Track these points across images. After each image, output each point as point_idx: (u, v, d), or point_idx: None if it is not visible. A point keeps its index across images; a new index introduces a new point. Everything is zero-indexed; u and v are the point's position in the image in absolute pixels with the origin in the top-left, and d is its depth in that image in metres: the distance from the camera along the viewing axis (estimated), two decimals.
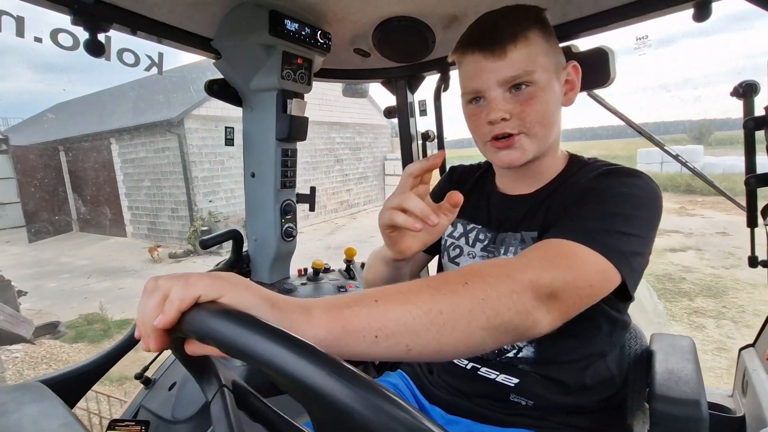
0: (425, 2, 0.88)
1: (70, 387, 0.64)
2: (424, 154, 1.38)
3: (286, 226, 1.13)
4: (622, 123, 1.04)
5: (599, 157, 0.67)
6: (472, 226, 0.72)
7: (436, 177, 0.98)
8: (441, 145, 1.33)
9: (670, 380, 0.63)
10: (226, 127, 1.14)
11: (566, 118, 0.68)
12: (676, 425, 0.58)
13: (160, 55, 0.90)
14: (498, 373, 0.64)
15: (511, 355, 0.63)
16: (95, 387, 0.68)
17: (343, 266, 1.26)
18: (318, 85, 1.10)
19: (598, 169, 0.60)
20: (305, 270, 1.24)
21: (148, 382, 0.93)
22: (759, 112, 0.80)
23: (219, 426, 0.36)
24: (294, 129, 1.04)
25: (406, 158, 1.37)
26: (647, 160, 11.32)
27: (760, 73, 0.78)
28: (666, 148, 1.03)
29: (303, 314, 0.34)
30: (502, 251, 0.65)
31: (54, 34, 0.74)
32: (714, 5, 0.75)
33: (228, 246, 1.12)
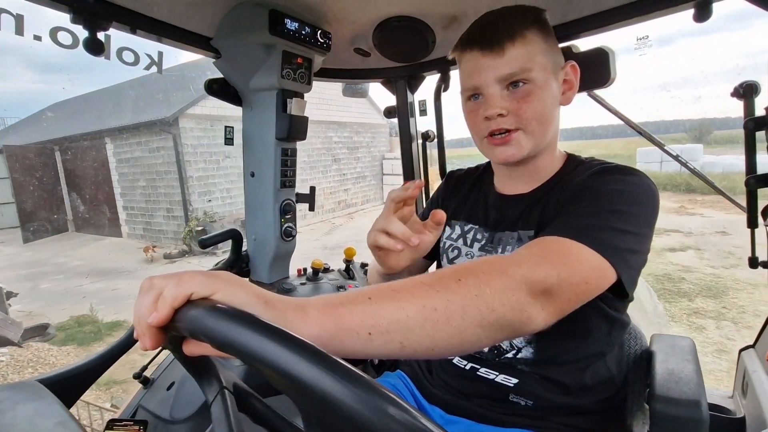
0: (425, 2, 0.88)
1: (68, 386, 0.64)
2: (424, 154, 1.38)
3: (286, 225, 1.13)
4: (622, 122, 1.04)
5: (599, 157, 0.67)
6: (469, 226, 0.72)
7: (438, 182, 0.99)
8: (441, 145, 1.33)
9: (670, 381, 0.62)
10: (225, 127, 1.14)
11: (566, 117, 0.69)
12: (676, 426, 0.58)
13: (160, 54, 0.90)
14: (497, 373, 0.64)
15: (510, 355, 0.63)
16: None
17: (343, 266, 1.26)
18: (315, 84, 1.10)
19: (595, 167, 0.61)
20: (305, 270, 1.24)
21: (146, 382, 0.93)
22: (760, 112, 0.80)
23: (219, 427, 0.36)
24: (294, 128, 1.04)
25: (407, 158, 1.37)
26: (647, 159, 11.34)
27: (759, 72, 0.78)
28: (666, 148, 1.03)
29: (297, 312, 0.34)
30: (500, 250, 0.65)
31: (53, 33, 0.74)
32: (714, 5, 0.75)
33: (224, 246, 1.12)
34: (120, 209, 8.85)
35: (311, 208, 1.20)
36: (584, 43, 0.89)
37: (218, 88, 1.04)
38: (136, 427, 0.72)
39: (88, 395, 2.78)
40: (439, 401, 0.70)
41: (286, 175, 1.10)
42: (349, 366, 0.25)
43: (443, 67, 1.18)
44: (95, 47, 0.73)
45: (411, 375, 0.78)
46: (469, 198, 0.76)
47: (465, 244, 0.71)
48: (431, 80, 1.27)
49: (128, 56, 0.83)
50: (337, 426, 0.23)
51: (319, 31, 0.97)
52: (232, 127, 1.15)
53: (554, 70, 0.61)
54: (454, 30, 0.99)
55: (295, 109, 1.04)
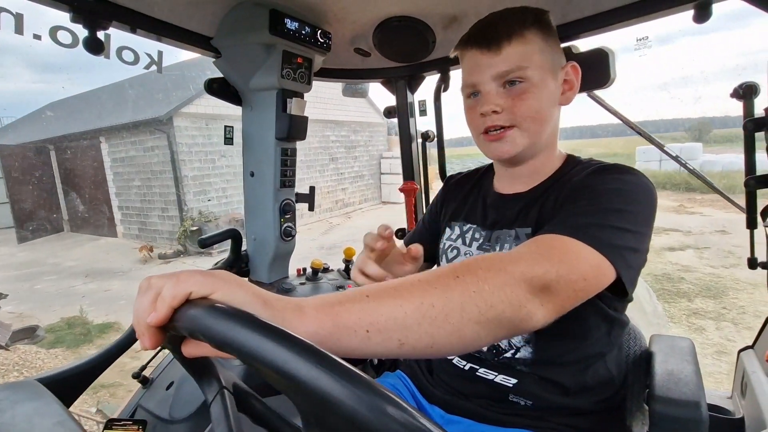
0: (425, 2, 0.88)
1: (67, 386, 0.63)
2: (424, 154, 1.38)
3: (285, 225, 1.13)
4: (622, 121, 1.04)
5: (598, 155, 0.67)
6: (468, 226, 0.73)
7: (439, 185, 0.99)
8: (441, 145, 1.33)
9: (669, 381, 0.62)
10: (225, 126, 1.14)
11: (565, 116, 0.69)
12: (675, 426, 0.58)
13: (160, 53, 0.90)
14: (496, 373, 0.64)
15: (508, 355, 0.63)
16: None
17: (342, 266, 1.26)
18: (313, 82, 1.10)
19: (593, 166, 0.62)
20: (304, 270, 1.24)
21: (145, 382, 0.93)
22: (759, 113, 0.80)
23: (219, 428, 0.36)
24: (293, 128, 1.04)
25: (406, 158, 1.37)
26: (646, 158, 11.31)
27: (758, 70, 0.78)
28: (665, 148, 1.04)
29: (295, 311, 0.34)
30: (497, 249, 0.65)
31: (53, 32, 0.74)
32: (713, 6, 0.75)
33: (219, 246, 1.12)
34: (115, 209, 8.78)
35: (311, 208, 1.20)
36: (584, 44, 0.89)
37: (218, 88, 1.04)
38: (135, 427, 0.72)
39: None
40: (439, 401, 0.70)
41: (286, 175, 1.10)
42: (347, 365, 0.25)
43: (443, 67, 1.18)
44: (95, 46, 0.73)
45: (411, 375, 0.78)
46: (468, 199, 0.77)
47: (464, 243, 0.72)
48: (431, 80, 1.27)
49: (128, 55, 0.83)
50: (336, 425, 0.23)
51: (319, 31, 0.97)
52: (232, 127, 1.15)
53: (553, 69, 0.62)
54: (454, 30, 0.99)
55: (295, 109, 1.04)
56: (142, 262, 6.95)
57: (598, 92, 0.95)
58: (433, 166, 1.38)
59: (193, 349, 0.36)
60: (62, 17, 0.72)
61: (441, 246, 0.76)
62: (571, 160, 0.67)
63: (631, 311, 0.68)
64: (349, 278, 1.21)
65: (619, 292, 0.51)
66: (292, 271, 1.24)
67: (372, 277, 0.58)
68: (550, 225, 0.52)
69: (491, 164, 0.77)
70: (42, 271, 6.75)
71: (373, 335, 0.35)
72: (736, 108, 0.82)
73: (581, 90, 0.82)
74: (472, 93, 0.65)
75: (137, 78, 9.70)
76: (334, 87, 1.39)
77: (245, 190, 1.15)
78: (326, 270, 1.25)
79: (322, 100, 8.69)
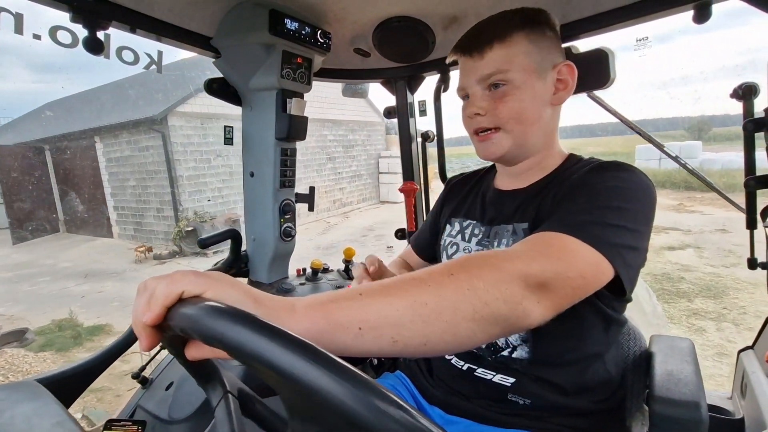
0: (425, 2, 0.88)
1: (66, 386, 0.63)
2: (424, 155, 1.38)
3: (285, 225, 1.13)
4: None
5: (598, 154, 0.68)
6: (468, 222, 0.73)
7: (439, 187, 0.99)
8: (441, 146, 1.33)
9: (669, 382, 0.62)
10: (225, 127, 1.14)
11: (565, 115, 0.70)
12: (675, 427, 0.58)
13: (160, 53, 0.90)
14: (494, 373, 0.64)
15: (505, 353, 0.63)
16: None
17: (342, 266, 1.26)
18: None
19: (592, 164, 0.62)
20: (304, 270, 1.24)
21: (145, 382, 0.93)
22: (759, 112, 0.80)
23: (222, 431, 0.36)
24: (293, 128, 1.04)
25: (406, 159, 1.37)
26: (646, 157, 11.29)
27: (757, 69, 0.78)
28: (665, 149, 1.03)
29: (287, 310, 0.35)
30: (495, 244, 0.66)
31: (53, 32, 0.74)
32: (713, 6, 0.75)
33: (215, 247, 1.12)
34: (111, 209, 8.71)
35: (311, 209, 1.20)
36: (583, 44, 0.89)
37: (218, 88, 1.04)
38: (135, 427, 0.72)
39: None
40: (439, 402, 0.70)
41: (286, 175, 1.10)
42: (332, 356, 0.25)
43: (443, 67, 1.18)
44: (95, 46, 0.73)
45: (410, 376, 0.78)
46: (468, 197, 0.78)
47: (463, 239, 0.72)
48: (431, 80, 1.27)
49: (128, 55, 0.83)
50: (322, 416, 0.24)
51: (319, 31, 0.97)
52: (232, 127, 1.15)
53: (540, 70, 0.62)
54: (454, 30, 0.99)
55: (294, 109, 1.04)
56: (137, 262, 6.91)
57: (598, 92, 0.95)
58: (432, 165, 1.38)
59: (195, 351, 0.36)
60: (62, 17, 0.72)
61: (441, 243, 0.77)
62: (571, 159, 0.68)
63: (631, 311, 0.68)
64: (348, 278, 1.21)
65: (618, 291, 0.51)
66: (291, 271, 1.24)
67: None
68: (548, 222, 0.52)
69: (493, 164, 0.78)
70: (36, 272, 6.69)
71: (366, 333, 0.35)
72: (736, 106, 0.82)
73: (581, 90, 0.82)
74: (464, 96, 0.68)
75: (135, 77, 9.64)
76: (332, 86, 1.39)
77: (245, 190, 1.15)
78: (326, 270, 1.25)
79: (320, 98, 8.64)
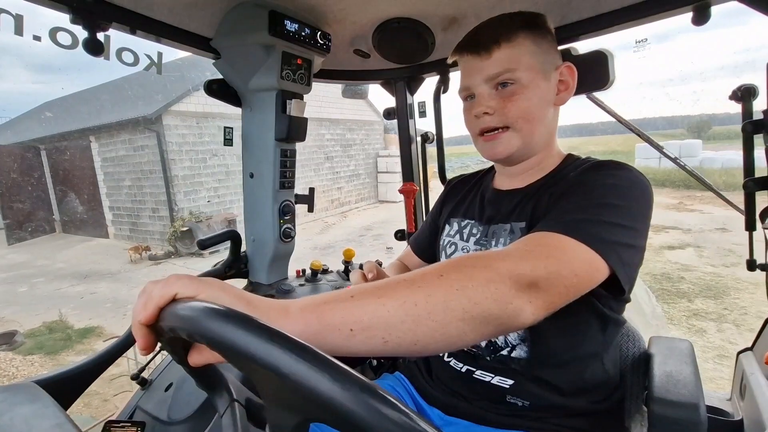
0: (425, 4, 0.88)
1: (65, 388, 0.63)
2: (423, 155, 1.38)
3: (285, 226, 1.13)
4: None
5: (597, 153, 0.68)
6: (466, 222, 0.74)
7: (438, 187, 1.00)
8: (440, 146, 1.33)
9: (668, 383, 0.62)
10: (225, 128, 1.14)
11: (564, 114, 0.70)
12: (674, 428, 0.58)
13: (160, 54, 0.90)
14: (493, 375, 0.64)
15: (504, 353, 0.64)
16: None
17: (342, 267, 1.26)
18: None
19: (589, 163, 0.63)
20: (303, 271, 1.24)
21: (144, 383, 0.93)
22: (758, 113, 0.80)
23: None
24: (293, 129, 1.04)
25: (406, 160, 1.37)
26: (645, 155, 11.26)
27: (756, 68, 0.79)
28: (664, 150, 1.04)
29: (280, 311, 0.35)
30: (494, 243, 0.66)
31: (53, 33, 0.74)
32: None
33: (212, 247, 1.12)
34: (106, 209, 8.67)
35: (310, 210, 1.20)
36: (583, 45, 0.89)
37: (218, 89, 1.04)
38: (134, 429, 0.72)
39: None
40: (438, 403, 0.70)
41: (285, 176, 1.10)
42: (301, 341, 0.25)
43: (443, 68, 1.18)
44: (95, 48, 0.73)
45: (409, 377, 0.78)
46: (468, 197, 0.79)
47: (461, 239, 0.72)
48: (431, 81, 1.27)
49: (128, 57, 0.83)
50: (287, 396, 0.24)
51: (319, 33, 0.97)
52: (232, 128, 1.15)
53: (544, 70, 0.63)
54: (453, 32, 0.99)
55: (294, 110, 1.04)
56: (132, 263, 6.86)
57: (596, 93, 0.95)
58: (431, 164, 1.38)
59: (198, 357, 0.36)
60: (62, 18, 0.72)
61: (440, 243, 0.77)
62: (570, 159, 0.68)
63: (630, 312, 0.68)
64: (348, 280, 1.21)
65: (616, 290, 0.51)
66: (291, 272, 1.24)
67: None
68: (543, 222, 0.52)
69: (492, 166, 0.78)
70: (29, 273, 6.66)
71: (357, 333, 0.36)
72: (736, 105, 0.82)
73: (581, 92, 0.82)
74: (468, 96, 0.67)
75: (130, 76, 9.57)
76: (330, 84, 1.38)
77: (245, 191, 1.15)
78: (325, 271, 1.25)
79: (317, 97, 8.59)
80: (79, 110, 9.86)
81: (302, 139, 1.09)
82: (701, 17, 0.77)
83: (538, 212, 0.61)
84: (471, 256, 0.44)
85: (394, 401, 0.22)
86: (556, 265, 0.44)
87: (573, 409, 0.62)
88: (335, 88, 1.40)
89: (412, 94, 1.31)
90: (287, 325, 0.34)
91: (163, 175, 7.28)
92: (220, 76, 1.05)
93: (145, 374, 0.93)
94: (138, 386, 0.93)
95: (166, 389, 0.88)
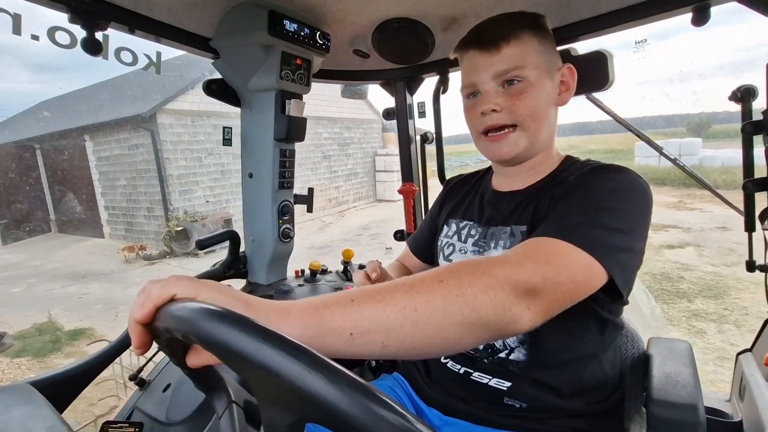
0: (425, 4, 0.88)
1: (61, 389, 0.63)
2: (423, 156, 1.38)
3: (284, 227, 1.13)
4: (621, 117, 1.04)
5: (597, 151, 0.68)
6: (464, 223, 0.73)
7: (437, 186, 0.99)
8: (440, 147, 1.33)
9: (667, 384, 0.62)
10: (224, 128, 1.14)
11: (564, 113, 0.70)
12: (673, 429, 0.58)
13: (158, 54, 0.90)
14: (490, 377, 0.64)
15: (502, 355, 0.63)
16: None
17: (341, 267, 1.26)
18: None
19: (589, 166, 0.62)
20: (302, 271, 1.23)
21: (142, 384, 0.93)
22: (758, 113, 0.80)
23: None
24: (292, 129, 1.04)
25: (405, 160, 1.37)
26: (645, 154, 11.21)
27: (755, 66, 0.78)
28: (664, 151, 1.03)
29: (279, 313, 0.35)
30: (492, 245, 0.66)
31: (51, 32, 0.74)
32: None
33: (209, 248, 1.11)
34: (101, 209, 8.59)
35: (309, 210, 1.19)
36: (582, 45, 0.89)
37: (217, 89, 1.04)
38: (132, 429, 0.72)
39: None
40: (437, 403, 0.70)
41: (285, 177, 1.10)
42: (293, 340, 0.25)
43: (442, 69, 1.18)
44: (93, 47, 0.73)
45: (408, 377, 0.78)
46: (466, 198, 0.78)
47: (459, 240, 0.72)
48: (430, 82, 1.27)
49: (126, 56, 0.83)
50: (282, 397, 0.24)
51: (318, 33, 0.96)
52: (231, 128, 1.14)
53: (549, 70, 0.63)
54: (453, 32, 0.99)
55: (293, 110, 1.04)
56: (127, 263, 6.79)
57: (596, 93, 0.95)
58: (430, 163, 1.38)
59: (196, 359, 0.36)
60: (60, 17, 0.72)
61: (438, 243, 0.77)
62: (568, 161, 0.68)
63: (629, 314, 0.68)
64: (347, 280, 1.20)
65: (614, 293, 0.51)
66: (290, 272, 1.24)
67: None
68: (542, 227, 0.52)
69: (491, 166, 0.77)
70: (22, 273, 6.59)
71: (357, 337, 0.36)
72: (736, 104, 0.82)
73: (580, 92, 0.82)
74: (471, 93, 0.66)
75: (126, 75, 9.44)
76: (328, 84, 1.38)
77: (243, 191, 1.14)
78: (324, 272, 1.25)
79: (315, 96, 8.47)
80: (75, 109, 9.78)
81: (301, 139, 1.09)
82: (701, 18, 0.77)
83: (539, 215, 0.61)
84: (470, 261, 0.44)
85: (389, 401, 0.22)
86: (555, 271, 0.44)
87: (572, 410, 0.62)
88: (333, 87, 1.40)
89: (411, 94, 1.31)
90: (286, 327, 0.34)
91: (158, 174, 7.21)
92: (219, 76, 1.05)
93: (143, 375, 0.93)
94: (137, 386, 0.93)
95: (165, 390, 0.88)
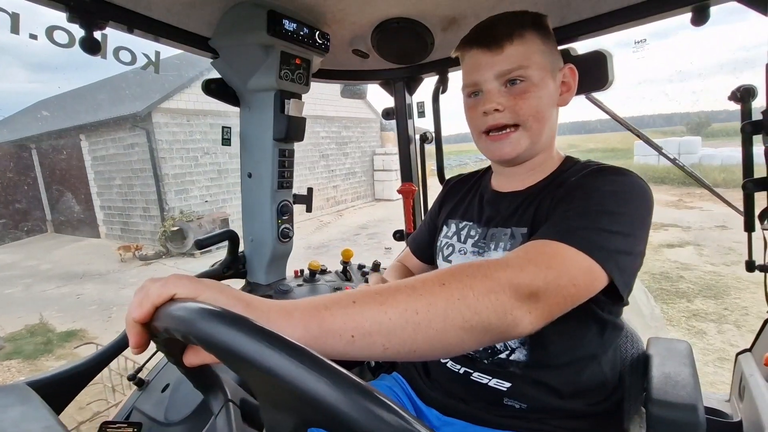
0: (424, 4, 0.88)
1: (58, 390, 0.63)
2: (422, 156, 1.38)
3: (283, 227, 1.13)
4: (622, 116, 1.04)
5: (596, 149, 0.68)
6: (464, 223, 0.73)
7: (436, 186, 0.99)
8: (439, 147, 1.32)
9: (666, 384, 0.62)
10: (223, 127, 1.14)
11: (564, 112, 0.70)
12: (672, 430, 0.58)
13: (157, 54, 0.90)
14: (490, 377, 0.64)
15: (503, 356, 0.63)
16: None
17: (340, 267, 1.26)
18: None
19: (589, 167, 0.62)
20: (301, 271, 1.23)
21: (141, 384, 0.92)
22: (757, 113, 0.80)
23: None
24: (291, 129, 1.04)
25: (404, 160, 1.37)
26: (644, 152, 11.15)
27: (755, 65, 0.78)
28: (663, 151, 1.03)
29: (280, 313, 0.35)
30: (492, 246, 0.65)
31: (49, 32, 0.73)
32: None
33: (209, 249, 1.11)
34: (97, 209, 8.53)
35: (308, 210, 1.19)
36: (582, 46, 0.89)
37: (216, 89, 1.04)
38: (130, 429, 0.72)
39: None
40: (436, 403, 0.70)
41: (284, 176, 1.10)
42: (297, 343, 0.25)
43: (442, 69, 1.18)
44: (92, 46, 0.72)
45: (407, 377, 0.77)
46: (466, 198, 0.78)
47: (459, 240, 0.72)
48: (430, 82, 1.27)
49: (125, 56, 0.82)
50: (284, 401, 0.24)
51: (318, 32, 0.96)
52: (230, 128, 1.14)
53: (551, 70, 0.63)
54: (452, 32, 0.99)
55: (293, 110, 1.03)
56: (122, 262, 6.75)
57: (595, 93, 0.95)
58: (429, 162, 1.38)
59: (194, 358, 0.36)
60: (59, 17, 0.71)
61: (437, 244, 0.77)
62: (568, 161, 0.68)
63: (628, 314, 0.67)
64: (346, 280, 1.20)
65: (614, 295, 0.51)
66: (289, 272, 1.23)
67: None
68: (543, 229, 0.52)
69: (490, 165, 0.77)
70: (17, 274, 6.53)
71: (358, 340, 0.36)
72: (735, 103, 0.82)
73: (580, 92, 0.82)
74: (473, 92, 0.66)
75: (121, 74, 9.38)
76: (326, 83, 1.38)
77: (243, 191, 1.14)
78: (324, 272, 1.24)
79: (311, 95, 8.43)
80: (71, 108, 9.71)
81: (301, 139, 1.09)
82: (700, 18, 0.77)
83: (540, 217, 0.61)
84: (472, 264, 0.43)
85: (395, 407, 0.22)
86: (556, 275, 0.44)
87: (571, 411, 0.62)
88: (331, 86, 1.39)
89: (411, 94, 1.31)
90: (287, 328, 0.34)
91: (153, 173, 7.15)
92: (218, 75, 1.05)
93: (142, 375, 0.93)
94: (135, 386, 0.92)
95: (163, 390, 0.88)
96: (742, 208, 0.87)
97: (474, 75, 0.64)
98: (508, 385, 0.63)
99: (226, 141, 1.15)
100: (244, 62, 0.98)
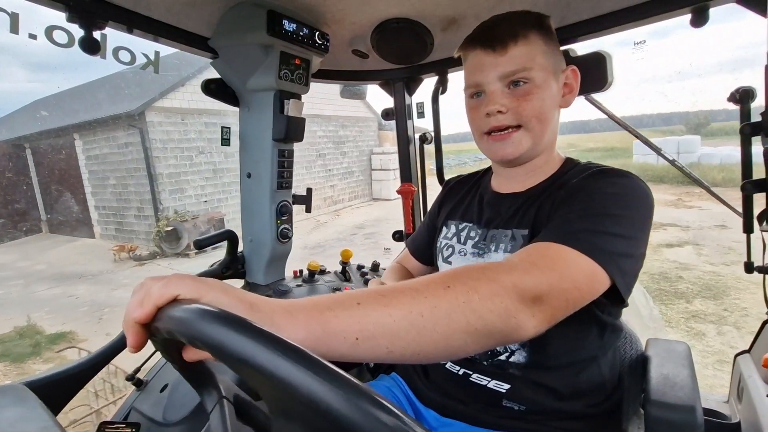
0: (424, 4, 0.88)
1: (56, 391, 0.63)
2: (422, 157, 1.38)
3: (282, 227, 1.13)
4: (621, 115, 1.04)
5: (596, 150, 0.67)
6: (464, 224, 0.73)
7: (436, 186, 0.99)
8: (438, 147, 1.33)
9: (665, 385, 0.62)
10: (222, 127, 1.14)
11: (563, 111, 0.69)
12: (671, 431, 0.58)
13: (157, 53, 0.90)
14: (489, 379, 0.64)
15: (503, 358, 0.63)
16: None
17: (339, 268, 1.25)
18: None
19: (590, 169, 0.62)
20: (301, 272, 1.23)
21: (139, 384, 0.92)
22: (756, 114, 0.80)
23: None
24: (291, 129, 1.04)
25: (404, 160, 1.37)
26: (643, 152, 11.19)
27: (754, 64, 0.79)
28: (662, 152, 1.04)
29: (284, 315, 0.34)
30: (493, 248, 0.65)
31: (49, 32, 0.73)
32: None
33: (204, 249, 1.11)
34: (92, 209, 8.49)
35: (308, 210, 1.19)
36: (581, 46, 0.89)
37: (215, 89, 1.04)
38: (129, 430, 0.72)
39: None
40: (434, 404, 0.70)
41: (283, 177, 1.10)
42: (307, 351, 0.25)
43: (441, 69, 1.18)
44: (91, 46, 0.72)
45: (406, 378, 0.77)
46: (466, 199, 0.78)
47: (459, 241, 0.72)
48: (429, 82, 1.27)
49: (125, 55, 0.82)
50: (306, 415, 0.23)
51: (317, 33, 0.96)
52: (229, 128, 1.14)
53: (554, 71, 0.63)
54: (452, 32, 0.99)
55: (292, 111, 1.03)
56: (116, 262, 6.71)
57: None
58: (429, 161, 1.38)
59: (193, 353, 0.36)
60: (58, 17, 0.71)
61: (437, 245, 0.76)
62: (569, 163, 0.68)
63: (627, 315, 0.67)
64: (345, 281, 1.20)
65: (615, 297, 0.51)
66: (288, 272, 1.23)
67: None
68: (544, 232, 0.52)
69: (490, 166, 0.77)
70: (8, 275, 6.48)
71: (362, 342, 0.35)
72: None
73: (579, 93, 0.82)
74: (475, 93, 0.65)
75: (117, 73, 9.31)
76: (325, 83, 1.37)
77: (242, 191, 1.14)
78: (323, 272, 1.24)
79: (309, 93, 8.40)
80: (65, 107, 9.65)
81: (300, 139, 1.09)
82: (699, 19, 0.77)
83: (541, 219, 0.61)
84: (477, 267, 0.43)
85: (396, 410, 0.22)
86: (559, 278, 0.44)
87: (570, 412, 0.62)
88: (328, 85, 1.39)
89: (410, 94, 1.31)
90: (290, 330, 0.33)
91: (147, 173, 7.09)
92: (216, 75, 1.05)
93: (140, 375, 0.93)
94: (134, 386, 0.92)
95: (162, 390, 0.88)
96: (740, 209, 0.87)
97: (477, 76, 0.63)
98: (507, 386, 0.63)
99: (225, 141, 1.15)
100: (243, 62, 0.98)
